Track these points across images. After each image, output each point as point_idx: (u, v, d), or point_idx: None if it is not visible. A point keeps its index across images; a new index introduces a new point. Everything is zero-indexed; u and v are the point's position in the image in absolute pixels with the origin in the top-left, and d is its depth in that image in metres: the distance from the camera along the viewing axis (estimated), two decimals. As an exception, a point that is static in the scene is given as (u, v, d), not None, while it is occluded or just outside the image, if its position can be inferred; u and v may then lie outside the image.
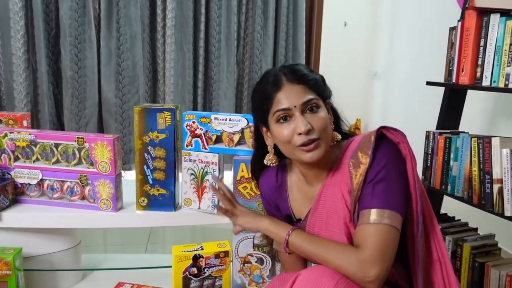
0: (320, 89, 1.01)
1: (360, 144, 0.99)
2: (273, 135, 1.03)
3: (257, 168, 1.21)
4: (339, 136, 1.05)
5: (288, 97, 0.97)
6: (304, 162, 1.01)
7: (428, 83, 1.80)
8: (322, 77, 1.05)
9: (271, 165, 1.11)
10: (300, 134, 0.96)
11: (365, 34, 3.09)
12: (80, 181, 1.46)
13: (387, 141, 0.98)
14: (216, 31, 2.87)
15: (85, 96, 2.78)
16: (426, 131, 1.76)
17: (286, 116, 0.98)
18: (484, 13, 1.54)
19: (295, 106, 0.97)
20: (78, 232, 1.64)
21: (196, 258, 1.47)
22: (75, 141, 1.43)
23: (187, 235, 2.36)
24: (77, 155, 1.44)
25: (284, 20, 2.98)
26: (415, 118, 2.37)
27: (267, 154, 1.11)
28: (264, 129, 1.08)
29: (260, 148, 1.15)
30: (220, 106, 2.93)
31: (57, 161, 1.46)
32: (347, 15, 3.07)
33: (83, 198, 1.48)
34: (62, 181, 1.47)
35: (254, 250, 1.52)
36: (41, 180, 1.48)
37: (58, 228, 1.51)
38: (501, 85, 1.49)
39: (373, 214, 0.92)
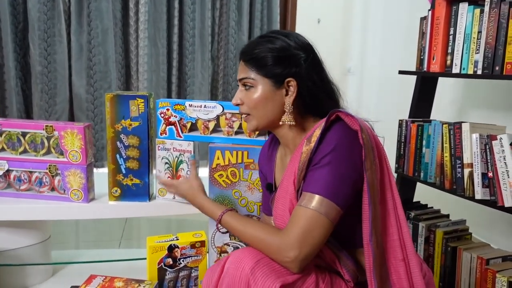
0: (266, 67, 0.99)
1: (320, 124, 0.96)
2: None
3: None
4: (289, 119, 1.00)
5: (239, 70, 1.07)
6: None
7: (400, 72, 1.83)
8: (281, 57, 0.99)
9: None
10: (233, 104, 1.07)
11: (338, 31, 3.13)
12: (49, 171, 1.41)
13: (342, 126, 0.93)
14: (190, 26, 2.85)
15: (55, 92, 2.71)
16: (399, 120, 1.79)
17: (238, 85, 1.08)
18: (453, 2, 1.58)
19: (237, 80, 1.07)
20: (48, 226, 1.58)
21: (171, 248, 1.45)
22: (43, 129, 1.38)
23: (162, 228, 2.32)
24: (46, 144, 1.40)
25: (258, 16, 2.98)
26: (389, 110, 2.41)
27: None
28: None
29: None
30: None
31: (25, 151, 1.41)
32: (321, 12, 3.10)
33: (53, 189, 1.43)
34: (30, 172, 1.42)
35: (230, 240, 1.50)
36: (7, 171, 1.42)
37: (26, 221, 1.45)
38: (470, 72, 1.53)
39: (310, 198, 0.91)
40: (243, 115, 1.07)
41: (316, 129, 0.96)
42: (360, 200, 0.93)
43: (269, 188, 1.16)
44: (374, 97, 2.95)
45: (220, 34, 2.98)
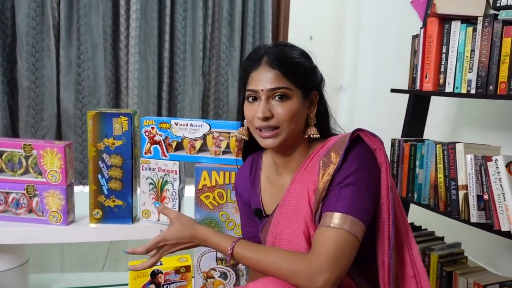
0: (301, 78, 0.95)
1: (335, 144, 0.95)
2: (244, 111, 1.01)
3: (244, 144, 1.14)
4: (314, 132, 0.99)
5: (260, 79, 0.95)
6: (265, 147, 1.00)
7: (393, 90, 1.80)
8: (311, 67, 0.99)
9: (241, 137, 1.06)
10: (258, 118, 0.95)
11: (330, 48, 3.12)
12: (27, 192, 1.34)
13: (363, 145, 0.94)
14: (181, 42, 2.82)
15: (43, 108, 2.65)
16: (392, 139, 1.75)
17: (254, 97, 0.97)
18: (446, 20, 1.56)
19: (262, 90, 0.95)
20: (26, 249, 1.51)
21: (154, 274, 1.39)
22: (21, 148, 1.32)
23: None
24: (24, 164, 1.34)
25: (250, 32, 2.96)
26: (381, 128, 2.36)
27: (241, 127, 1.06)
28: None
29: (241, 121, 1.09)
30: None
31: (1, 171, 1.35)
32: (313, 29, 3.09)
33: (30, 211, 1.36)
34: (7, 193, 1.36)
35: (217, 264, 1.44)
36: (-17, 191, 1.36)
37: (2, 245, 1.38)
38: (464, 91, 1.50)
39: (335, 218, 0.88)
40: (267, 131, 0.95)
41: (331, 149, 0.94)
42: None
43: (259, 214, 1.09)
44: (366, 114, 2.92)
45: (211, 50, 2.95)
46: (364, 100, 2.93)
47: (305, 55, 0.99)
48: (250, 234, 1.13)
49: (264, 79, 0.94)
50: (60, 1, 2.60)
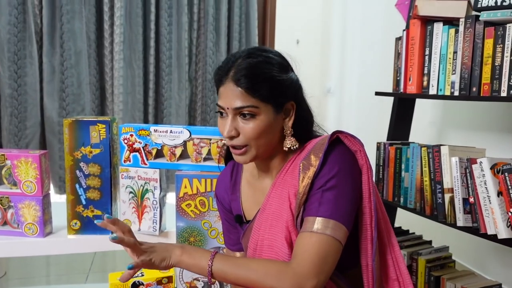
0: (269, 93, 0.89)
1: (315, 146, 0.93)
2: None
3: (225, 150, 1.10)
4: (293, 143, 0.95)
5: (226, 96, 0.91)
6: None
7: (377, 93, 1.79)
8: (282, 78, 0.90)
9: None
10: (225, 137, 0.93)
11: (317, 51, 3.11)
12: (0, 203, 1.30)
13: (343, 147, 0.92)
14: (167, 48, 2.79)
15: (26, 116, 2.61)
16: (377, 142, 1.73)
17: (222, 112, 0.93)
18: (428, 22, 1.55)
19: (227, 108, 0.91)
20: (2, 262, 1.46)
21: (135, 285, 1.34)
22: (-6, 158, 1.28)
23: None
24: (-2, 174, 1.29)
25: (236, 37, 2.94)
26: (367, 131, 2.36)
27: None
28: None
29: None
30: (172, 124, 2.82)
31: (-26, 182, 1.31)
32: (299, 33, 3.08)
33: (5, 223, 1.32)
34: (-20, 204, 1.31)
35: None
36: (-44, 203, 1.31)
37: (-24, 259, 1.34)
38: (447, 93, 1.48)
39: (317, 222, 0.86)
40: (236, 148, 0.93)
41: (311, 151, 0.92)
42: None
43: (239, 220, 1.06)
44: (353, 117, 2.91)
45: (198, 55, 2.93)
46: (351, 103, 2.92)
47: (279, 65, 0.91)
48: (233, 241, 1.11)
49: (230, 96, 0.90)
50: (42, 7, 2.57)
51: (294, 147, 0.95)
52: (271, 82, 0.90)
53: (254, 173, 1.05)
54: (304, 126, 0.99)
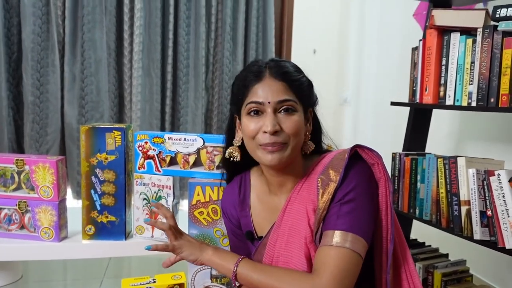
0: (303, 93, 0.94)
1: (332, 161, 0.92)
2: (242, 127, 0.95)
3: (225, 165, 1.09)
4: (312, 147, 0.97)
5: (265, 91, 0.90)
6: (264, 164, 0.94)
7: (393, 104, 1.77)
8: (309, 82, 0.98)
9: (232, 159, 1.01)
10: (265, 132, 0.89)
11: (334, 61, 3.10)
12: (19, 208, 1.33)
13: (360, 161, 0.92)
14: (184, 57, 2.83)
15: (47, 122, 2.67)
16: (392, 153, 1.71)
17: (258, 110, 0.91)
18: (445, 31, 1.53)
19: (269, 102, 0.90)
20: (19, 265, 1.49)
21: (147, 291, 1.35)
22: (13, 163, 1.32)
23: (153, 265, 2.20)
24: (16, 179, 1.33)
25: (253, 47, 2.96)
26: (384, 142, 2.34)
27: (230, 147, 1.01)
28: (238, 120, 1.00)
29: (229, 141, 1.03)
30: (189, 132, 2.85)
31: (-6, 186, 1.34)
32: (316, 42, 3.08)
33: (22, 227, 1.35)
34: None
35: (212, 282, 1.40)
36: (-24, 207, 1.35)
37: (-5, 261, 1.37)
38: (464, 103, 1.46)
39: (336, 236, 0.85)
40: (272, 145, 0.89)
41: (329, 166, 0.91)
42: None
43: (250, 236, 1.05)
44: (370, 128, 2.88)
45: (214, 64, 2.96)
46: (368, 113, 2.90)
47: (303, 73, 0.98)
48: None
49: (270, 91, 0.89)
50: (65, 17, 2.64)
51: (312, 148, 0.97)
52: (306, 83, 0.96)
53: (264, 189, 1.04)
54: (317, 136, 1.02)
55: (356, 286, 0.92)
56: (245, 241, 1.07)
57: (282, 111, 0.90)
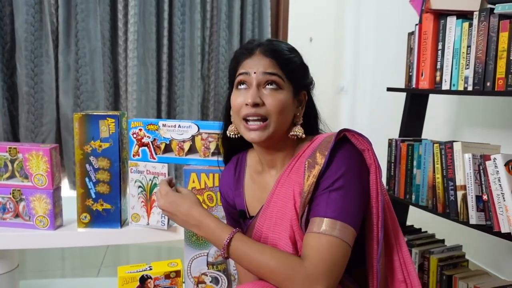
0: (293, 72, 0.92)
1: (321, 144, 0.91)
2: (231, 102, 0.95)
3: (225, 143, 1.07)
4: (299, 132, 0.95)
5: (253, 64, 0.91)
6: (248, 140, 0.93)
7: (389, 89, 1.76)
8: (302, 63, 0.96)
9: (233, 136, 0.99)
10: (247, 105, 0.89)
11: (330, 49, 3.08)
12: (13, 196, 1.33)
13: (350, 146, 0.90)
14: (180, 46, 2.81)
15: (42, 113, 2.65)
16: (389, 139, 1.70)
17: (244, 81, 0.91)
18: (441, 15, 1.52)
19: (254, 73, 0.90)
20: (15, 254, 1.49)
21: (143, 279, 1.35)
22: (7, 151, 1.31)
23: (150, 254, 2.21)
24: (10, 168, 1.32)
25: (249, 35, 2.94)
26: (381, 129, 2.33)
27: (230, 125, 1.00)
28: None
29: (227, 118, 1.02)
30: (185, 122, 2.83)
31: (-13, 175, 1.33)
32: (312, 31, 3.06)
33: (17, 215, 1.34)
34: (-7, 197, 1.34)
35: (208, 269, 1.40)
36: (-30, 196, 1.34)
37: (-10, 250, 1.36)
38: (461, 88, 1.45)
39: (325, 223, 0.84)
40: (255, 121, 0.89)
41: (317, 149, 0.90)
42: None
43: (243, 215, 1.05)
44: (367, 115, 2.87)
45: (210, 53, 2.93)
46: (365, 101, 2.89)
47: (298, 54, 0.97)
48: None
49: (258, 64, 0.90)
50: (58, 6, 2.61)
51: (300, 135, 0.95)
52: (295, 63, 0.94)
53: (258, 169, 1.03)
54: (312, 120, 1.00)
55: (348, 274, 0.92)
56: (240, 220, 1.07)
57: (267, 86, 0.90)
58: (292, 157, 0.97)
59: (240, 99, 0.91)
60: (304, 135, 0.95)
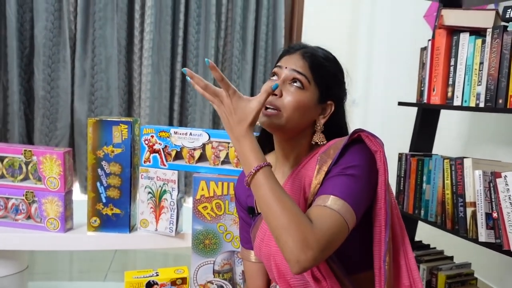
0: (323, 78, 0.94)
1: (336, 142, 0.93)
2: None
3: (261, 135, 1.06)
4: (322, 139, 0.96)
5: (287, 60, 0.95)
6: (261, 125, 0.94)
7: (400, 104, 1.76)
8: (336, 74, 0.98)
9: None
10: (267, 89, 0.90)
11: (343, 61, 3.09)
12: (26, 198, 1.35)
13: (363, 145, 0.92)
14: (194, 55, 2.84)
15: (57, 117, 2.70)
16: (399, 153, 1.70)
17: (276, 73, 0.96)
18: (454, 32, 1.52)
19: (285, 68, 0.94)
20: (25, 255, 1.51)
21: (150, 285, 1.36)
22: (22, 154, 1.34)
23: (158, 260, 2.22)
24: (24, 170, 1.35)
25: (263, 46, 2.97)
26: (392, 143, 2.32)
27: None
28: None
29: None
30: (196, 130, 2.86)
31: (2, 176, 1.36)
32: (326, 43, 3.07)
33: (29, 217, 1.37)
34: (7, 198, 1.37)
35: (214, 277, 1.41)
36: (-16, 196, 1.37)
37: (1, 251, 1.38)
38: (472, 104, 1.45)
39: (330, 200, 0.83)
40: (268, 109, 0.90)
41: (331, 147, 0.92)
42: (365, 221, 0.90)
43: (252, 212, 1.05)
44: (378, 129, 2.85)
45: (223, 63, 2.97)
46: (376, 114, 2.89)
47: (338, 67, 1.00)
48: (247, 240, 1.10)
49: (291, 61, 0.94)
50: (77, 14, 2.67)
51: (321, 143, 0.96)
52: (329, 72, 0.96)
53: (273, 166, 1.03)
54: (334, 131, 1.00)
55: (356, 274, 0.93)
56: (250, 221, 1.07)
57: (292, 82, 0.93)
58: (306, 156, 0.98)
59: (267, 84, 0.90)
60: (324, 142, 0.96)
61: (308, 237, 0.77)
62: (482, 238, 1.35)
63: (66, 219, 1.37)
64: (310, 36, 3.04)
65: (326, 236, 0.79)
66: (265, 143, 1.07)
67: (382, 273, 0.89)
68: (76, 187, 2.77)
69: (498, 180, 1.31)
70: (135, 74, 2.83)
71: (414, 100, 1.74)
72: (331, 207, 0.82)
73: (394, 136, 2.55)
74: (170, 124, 2.89)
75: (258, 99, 0.85)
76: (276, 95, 0.91)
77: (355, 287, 0.93)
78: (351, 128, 1.02)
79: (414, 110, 1.81)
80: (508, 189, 1.27)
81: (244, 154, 0.85)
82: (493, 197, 1.34)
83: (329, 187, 0.86)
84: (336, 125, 1.00)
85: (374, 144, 0.91)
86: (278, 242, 0.80)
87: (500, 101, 1.35)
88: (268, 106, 0.91)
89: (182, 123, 2.93)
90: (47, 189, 1.34)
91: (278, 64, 0.96)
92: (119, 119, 1.38)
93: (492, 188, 1.34)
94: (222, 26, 2.90)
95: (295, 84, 0.92)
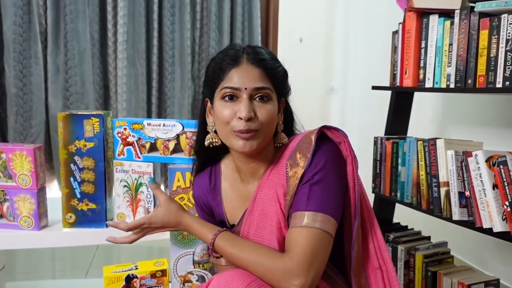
0: (279, 82, 0.93)
1: (299, 144, 0.92)
2: (215, 112, 0.93)
3: (200, 152, 1.05)
4: (285, 139, 0.96)
5: (242, 76, 0.88)
6: (236, 150, 0.92)
7: (374, 88, 1.77)
8: (285, 71, 0.96)
9: (211, 145, 0.98)
10: (240, 119, 0.87)
11: (320, 50, 3.10)
12: (-3, 196, 1.32)
13: (327, 141, 0.92)
14: (170, 46, 2.81)
15: (31, 114, 2.65)
16: (374, 137, 1.71)
17: (232, 95, 0.89)
18: (424, 14, 1.53)
19: (245, 88, 0.88)
20: (1, 256, 1.48)
21: (129, 278, 1.35)
22: (-10, 152, 1.30)
23: (142, 254, 2.19)
24: (-7, 168, 1.32)
25: (239, 36, 2.95)
26: (370, 127, 2.34)
27: (208, 134, 0.98)
28: (209, 104, 0.98)
29: (203, 127, 1.01)
30: (175, 122, 2.84)
31: (-29, 175, 1.33)
32: (303, 31, 3.07)
33: (1, 216, 1.34)
34: (-23, 197, 1.33)
35: (194, 268, 1.41)
36: (-47, 196, 1.34)
37: (-26, 251, 1.36)
38: (443, 85, 1.47)
39: (306, 217, 0.85)
40: (246, 132, 0.87)
41: (296, 150, 0.91)
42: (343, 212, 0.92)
43: (222, 225, 1.03)
44: (357, 115, 2.89)
45: (200, 54, 2.94)
46: (355, 100, 2.90)
47: (279, 62, 0.96)
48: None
49: (247, 76, 0.88)
50: (47, 8, 2.61)
51: (284, 141, 0.96)
52: (281, 72, 0.95)
53: (236, 177, 1.02)
54: (289, 125, 1.02)
55: (338, 262, 0.95)
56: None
57: (258, 98, 0.89)
58: (271, 161, 0.97)
59: (229, 111, 0.89)
60: (287, 140, 0.96)
61: (288, 267, 0.82)
62: (455, 217, 1.38)
63: (40, 216, 1.34)
64: (287, 24, 3.03)
65: (307, 256, 0.82)
66: (210, 161, 1.06)
67: (352, 258, 0.91)
68: (55, 184, 2.73)
69: (469, 159, 1.33)
70: (110, 68, 2.78)
71: (388, 84, 1.76)
72: (308, 225, 0.84)
73: (373, 121, 2.58)
74: (149, 117, 2.86)
75: (163, 196, 1.01)
76: (250, 119, 0.87)
77: (335, 274, 0.95)
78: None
79: (389, 94, 1.82)
80: (479, 167, 1.29)
81: (198, 234, 0.95)
82: (465, 176, 1.36)
83: (302, 201, 0.87)
84: (287, 118, 1.01)
85: (337, 136, 0.92)
86: (265, 282, 0.85)
87: (469, 81, 1.37)
88: (247, 130, 0.88)
89: (161, 116, 2.90)
90: (19, 187, 1.31)
91: (231, 85, 0.88)
92: (90, 113, 1.35)
93: (464, 168, 1.36)
94: (197, 17, 2.87)
95: (261, 99, 0.89)
